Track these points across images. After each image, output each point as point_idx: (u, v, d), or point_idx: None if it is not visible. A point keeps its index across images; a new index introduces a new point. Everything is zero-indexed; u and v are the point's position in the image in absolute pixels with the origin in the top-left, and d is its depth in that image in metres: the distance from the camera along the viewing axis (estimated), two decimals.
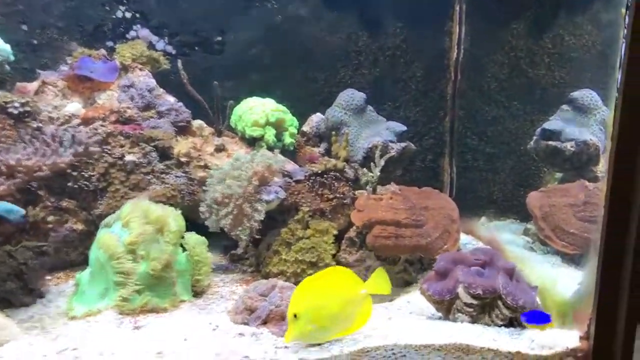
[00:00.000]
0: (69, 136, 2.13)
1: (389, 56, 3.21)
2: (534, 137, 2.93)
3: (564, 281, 2.12)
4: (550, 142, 2.82)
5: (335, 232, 2.30)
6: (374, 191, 2.51)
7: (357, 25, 3.16)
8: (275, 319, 1.80)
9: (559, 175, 3.06)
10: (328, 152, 2.85)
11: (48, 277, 2.23)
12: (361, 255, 2.37)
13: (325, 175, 2.49)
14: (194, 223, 2.30)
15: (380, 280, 1.75)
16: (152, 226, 1.97)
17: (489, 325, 1.83)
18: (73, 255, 2.36)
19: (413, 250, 2.37)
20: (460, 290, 1.84)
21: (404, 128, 2.81)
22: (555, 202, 2.59)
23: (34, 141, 2.07)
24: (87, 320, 1.87)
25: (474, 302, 1.82)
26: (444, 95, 3.26)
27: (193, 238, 2.12)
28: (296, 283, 2.22)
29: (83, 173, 2.34)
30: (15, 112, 2.28)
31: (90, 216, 2.37)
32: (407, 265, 2.41)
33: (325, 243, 2.26)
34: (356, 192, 2.54)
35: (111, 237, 1.95)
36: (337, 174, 2.50)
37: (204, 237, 2.17)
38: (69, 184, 2.34)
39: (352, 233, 2.42)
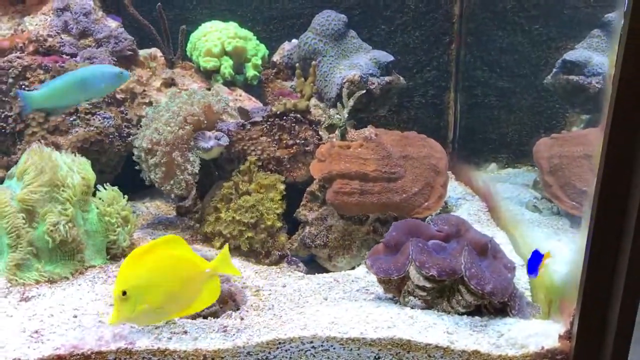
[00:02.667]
0: None
1: None
2: (554, 70, 2.46)
3: (563, 254, 1.75)
4: (571, 77, 2.36)
5: (282, 187, 1.98)
6: (343, 137, 2.15)
7: None
8: None
9: (586, 117, 2.59)
10: None
11: None
12: (322, 213, 2.06)
13: (285, 117, 2.14)
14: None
15: (225, 261, 1.44)
16: (50, 180, 1.70)
17: (447, 312, 1.50)
18: None
19: (382, 209, 2.03)
20: (411, 269, 1.51)
21: (390, 58, 2.41)
22: (569, 151, 2.17)
23: None
24: None
25: (428, 285, 1.49)
26: (449, 17, 2.80)
27: (104, 194, 1.84)
28: (235, 248, 1.95)
29: (0, 113, 2.08)
30: None
31: (11, 162, 2.12)
32: (378, 226, 2.08)
33: (271, 201, 1.94)
34: (324, 137, 2.19)
35: (2, 191, 1.69)
36: (299, 116, 2.14)
37: (117, 192, 1.88)
38: None
39: (314, 186, 2.10)
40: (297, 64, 2.32)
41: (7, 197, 1.69)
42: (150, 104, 2.29)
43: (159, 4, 2.42)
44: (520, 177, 2.71)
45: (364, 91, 2.20)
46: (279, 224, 1.94)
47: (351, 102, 2.11)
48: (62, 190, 1.71)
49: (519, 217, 2.10)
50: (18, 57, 2.09)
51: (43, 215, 1.68)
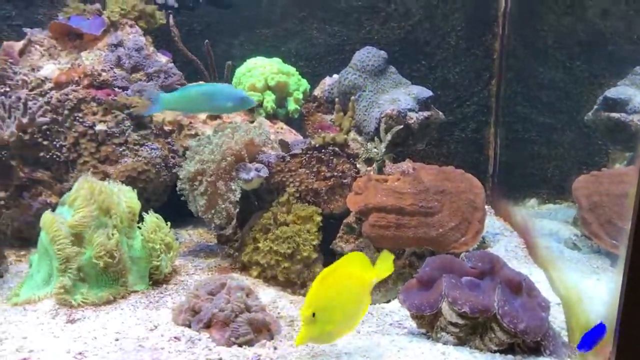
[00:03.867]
0: (21, 105, 1.99)
1: (422, 7, 2.80)
2: (595, 107, 2.46)
3: (601, 294, 1.73)
4: (612, 114, 2.35)
5: (319, 218, 2.02)
6: (380, 170, 2.19)
7: None
8: (218, 324, 1.58)
9: (629, 154, 2.56)
10: None
11: (22, 253, 2.17)
12: (358, 245, 2.09)
13: (323, 150, 2.19)
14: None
15: (387, 265, 1.51)
16: (98, 208, 1.80)
17: (480, 350, 1.50)
18: None
19: (418, 243, 2.05)
20: (444, 305, 1.52)
21: (429, 93, 2.44)
22: (609, 189, 2.15)
23: None
24: (24, 308, 1.75)
25: (460, 321, 1.50)
26: (490, 53, 2.83)
27: (151, 222, 1.93)
28: (271, 277, 2.00)
29: (55, 142, 2.21)
30: None
31: (64, 189, 2.24)
32: (414, 260, 2.09)
33: (308, 232, 1.99)
34: (362, 171, 2.24)
35: (54, 218, 1.80)
36: (337, 149, 2.19)
37: (160, 219, 1.97)
38: (42, 153, 2.22)
39: (351, 218, 2.13)
40: (337, 99, 2.39)
41: (59, 223, 1.79)
42: (196, 135, 2.39)
43: (207, 40, 2.54)
44: (561, 213, 2.68)
45: (402, 126, 2.24)
46: (315, 255, 1.98)
47: (389, 137, 2.16)
48: (110, 218, 1.81)
49: (557, 255, 2.08)
50: (74, 90, 2.22)
51: (91, 240, 1.77)
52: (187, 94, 2.01)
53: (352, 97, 2.35)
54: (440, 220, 2.09)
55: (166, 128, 2.35)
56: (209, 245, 2.34)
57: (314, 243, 1.99)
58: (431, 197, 2.12)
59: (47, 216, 1.81)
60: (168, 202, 2.36)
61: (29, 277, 1.89)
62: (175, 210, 2.20)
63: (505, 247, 2.26)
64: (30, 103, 2.03)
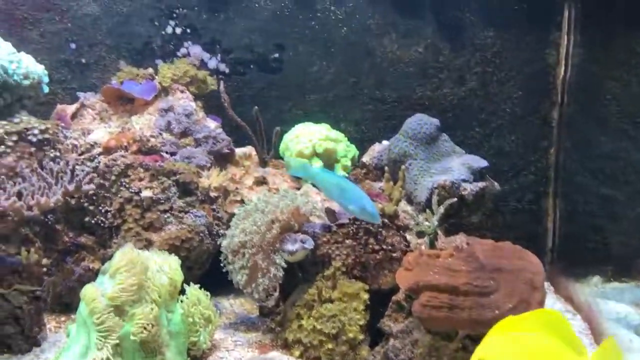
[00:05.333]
0: (68, 171, 2.00)
1: (477, 73, 2.77)
2: None
3: None
4: None
5: (366, 296, 1.93)
6: (432, 245, 2.09)
7: (437, 36, 2.77)
8: None
9: None
10: None
11: (62, 319, 2.16)
12: (407, 325, 1.98)
13: None
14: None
15: (611, 354, 1.24)
16: (140, 280, 1.76)
17: None
18: None
19: (473, 326, 1.92)
20: None
21: (484, 163, 2.36)
22: None
23: (31, 176, 1.97)
24: None
25: None
26: (547, 122, 2.75)
27: (192, 294, 1.88)
28: (314, 358, 1.90)
29: (101, 208, 2.22)
30: (35, 139, 2.21)
31: (106, 255, 2.23)
32: (468, 343, 1.96)
33: (354, 311, 1.89)
34: (412, 244, 2.15)
35: (95, 289, 1.77)
36: (387, 220, 2.12)
37: (203, 293, 1.93)
38: (87, 218, 2.23)
39: (400, 296, 2.03)
40: (386, 167, 2.33)
41: (98, 294, 1.76)
42: (242, 202, 2.36)
43: (256, 107, 2.55)
44: (628, 293, 2.51)
45: (455, 199, 2.15)
46: (361, 337, 1.88)
47: (441, 210, 2.07)
48: (151, 291, 1.77)
49: (626, 344, 1.91)
50: (122, 156, 2.25)
51: (130, 314, 1.73)
52: (326, 177, 2.00)
53: (403, 166, 2.28)
54: (497, 301, 1.97)
55: (212, 194, 2.33)
56: (250, 318, 2.27)
57: (361, 323, 1.89)
58: (487, 276, 2.00)
59: (88, 288, 1.79)
60: (209, 269, 2.33)
61: (66, 348, 1.85)
62: (216, 277, 2.15)
63: None
64: (77, 169, 2.05)
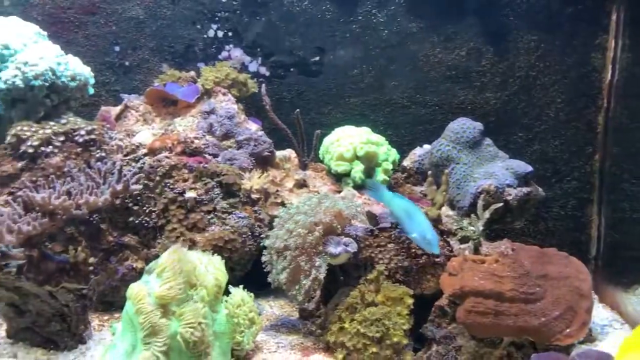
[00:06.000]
0: (116, 171, 2.04)
1: (520, 77, 2.74)
2: None
3: None
4: None
5: (410, 301, 1.92)
6: (476, 250, 2.07)
7: (480, 40, 2.75)
8: None
9: None
10: None
11: (106, 317, 2.20)
12: (451, 331, 1.96)
13: None
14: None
15: None
16: (187, 280, 1.78)
17: None
18: None
19: (518, 333, 1.90)
20: None
21: (529, 169, 2.34)
22: None
23: (79, 176, 2.01)
24: None
25: None
26: (592, 127, 2.70)
27: (236, 295, 1.89)
28: None
29: (145, 208, 2.25)
30: (81, 140, 2.26)
31: (150, 255, 2.27)
32: (512, 350, 1.94)
33: (398, 315, 1.88)
34: (456, 249, 2.14)
35: (141, 288, 1.79)
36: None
37: (247, 295, 1.94)
38: (131, 218, 2.26)
39: (443, 301, 2.02)
40: (429, 171, 2.32)
41: (145, 294, 1.78)
42: (282, 204, 2.38)
43: (297, 110, 2.57)
44: None
45: (501, 204, 2.13)
46: (405, 341, 1.87)
47: (487, 215, 2.06)
48: (197, 290, 1.78)
49: None
50: (167, 157, 2.28)
51: (177, 313, 1.75)
52: (398, 202, 1.98)
53: (446, 170, 2.27)
54: (543, 308, 1.94)
55: (253, 196, 2.34)
56: (290, 320, 2.28)
57: (405, 327, 1.88)
58: (532, 282, 1.98)
59: (134, 286, 1.81)
60: (250, 270, 2.34)
61: (112, 347, 1.88)
62: (256, 279, 2.17)
63: (615, 342, 2.06)
64: (124, 170, 2.09)
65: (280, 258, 2.04)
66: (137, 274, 2.26)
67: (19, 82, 2.28)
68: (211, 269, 1.88)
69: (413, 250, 2.09)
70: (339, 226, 2.05)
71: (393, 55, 2.80)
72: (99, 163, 2.12)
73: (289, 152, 2.64)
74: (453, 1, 2.75)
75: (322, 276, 1.97)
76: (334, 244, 2.02)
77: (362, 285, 2.01)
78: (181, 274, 1.80)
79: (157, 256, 2.21)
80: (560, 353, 1.63)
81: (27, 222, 1.82)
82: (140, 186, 2.11)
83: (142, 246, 2.30)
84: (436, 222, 2.13)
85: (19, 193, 2.06)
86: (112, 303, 2.27)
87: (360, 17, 2.80)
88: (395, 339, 1.85)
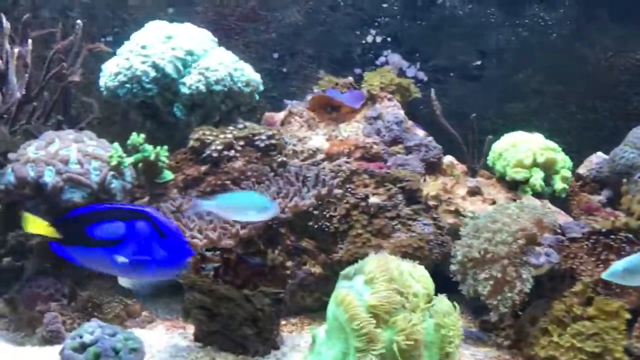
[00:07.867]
0: (312, 175, 2.06)
1: None
2: None
3: None
4: None
5: (627, 315, 1.84)
6: None
7: None
8: None
9: None
10: (611, 202, 2.39)
11: (283, 322, 2.20)
12: None
13: (612, 236, 2.04)
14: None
15: None
16: (399, 289, 1.77)
17: None
18: (309, 301, 2.30)
19: None
20: None
21: None
22: None
23: (277, 179, 2.05)
24: None
25: None
26: None
27: (443, 304, 1.86)
28: None
29: (325, 213, 2.26)
30: (262, 144, 2.30)
31: (329, 260, 2.27)
32: None
33: (615, 330, 1.81)
34: None
35: (351, 295, 1.79)
36: (631, 236, 2.03)
37: (452, 303, 1.91)
38: (310, 223, 2.28)
39: None
40: (619, 179, 2.24)
41: (357, 301, 1.78)
42: (456, 211, 2.34)
43: (474, 114, 2.54)
44: None
45: None
46: (626, 358, 1.80)
47: None
48: (411, 300, 1.77)
49: None
50: (346, 162, 2.29)
51: (392, 323, 1.74)
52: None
53: (636, 178, 2.18)
54: None
55: (430, 202, 2.32)
56: (471, 331, 2.23)
57: (624, 343, 1.81)
58: None
59: (344, 293, 1.80)
60: None
61: (316, 353, 1.88)
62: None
63: None
64: (322, 173, 2.11)
65: (477, 268, 2.00)
66: (316, 279, 2.27)
67: (202, 87, 2.36)
68: (416, 276, 1.86)
69: (612, 263, 2.01)
70: (539, 235, 2.00)
71: (560, 59, 2.73)
72: (291, 167, 2.15)
73: (452, 159, 2.61)
74: (629, 2, 2.65)
75: (527, 289, 1.93)
76: (535, 254, 1.97)
77: (568, 298, 1.95)
78: (394, 282, 1.79)
79: (338, 261, 2.23)
80: None
81: (242, 226, 1.86)
82: (341, 190, 2.12)
83: (319, 251, 2.31)
84: (637, 232, 2.04)
85: None
86: (289, 307, 2.28)
87: (527, 20, 2.75)
88: (617, 355, 1.78)
